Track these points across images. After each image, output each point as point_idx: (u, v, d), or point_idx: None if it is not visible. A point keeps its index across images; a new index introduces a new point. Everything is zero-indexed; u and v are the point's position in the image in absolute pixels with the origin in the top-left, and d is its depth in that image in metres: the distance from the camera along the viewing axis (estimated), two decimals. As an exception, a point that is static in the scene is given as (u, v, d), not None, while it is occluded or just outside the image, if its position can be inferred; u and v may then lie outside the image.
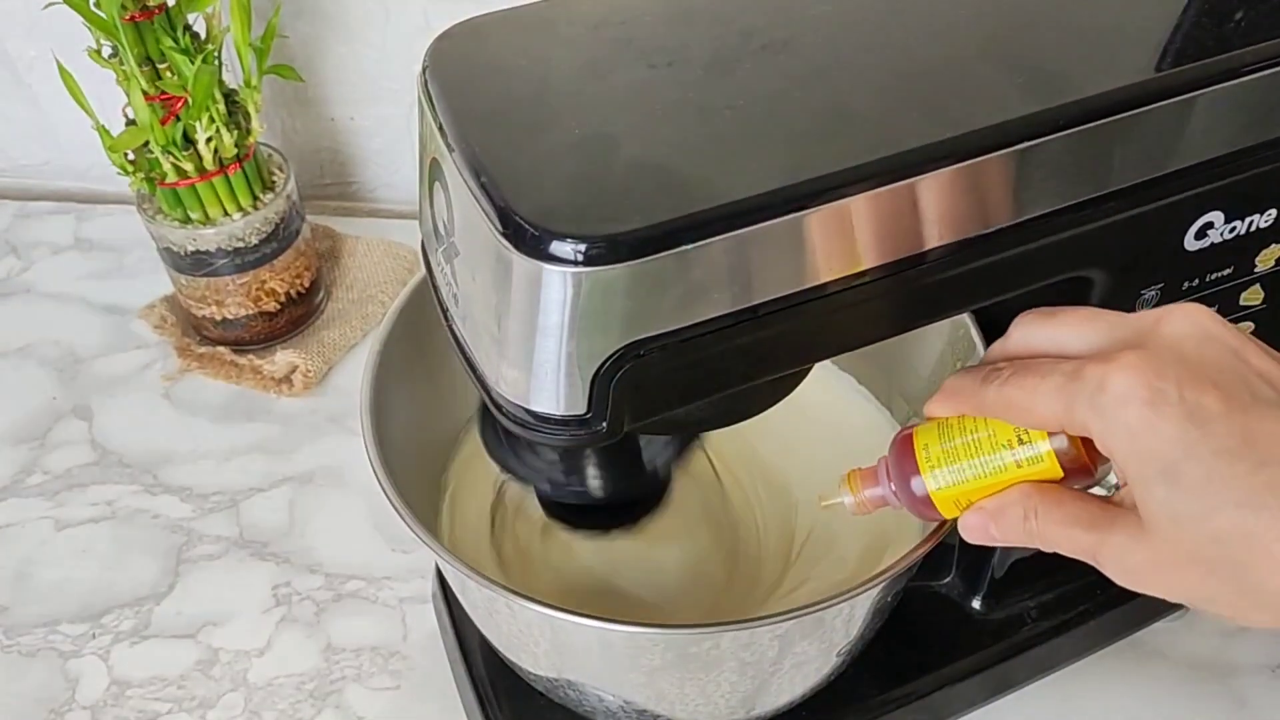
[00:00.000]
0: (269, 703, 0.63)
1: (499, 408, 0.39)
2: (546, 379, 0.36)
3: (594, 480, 0.48)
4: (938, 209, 0.37)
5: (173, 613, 0.67)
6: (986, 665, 0.59)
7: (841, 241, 0.36)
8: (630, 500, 0.51)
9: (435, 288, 0.42)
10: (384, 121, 0.93)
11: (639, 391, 0.37)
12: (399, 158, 0.96)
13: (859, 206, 0.35)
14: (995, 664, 0.59)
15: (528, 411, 0.38)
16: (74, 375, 0.82)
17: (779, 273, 0.36)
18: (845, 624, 0.48)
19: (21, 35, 0.90)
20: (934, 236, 0.38)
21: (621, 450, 0.49)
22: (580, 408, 0.37)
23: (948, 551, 0.60)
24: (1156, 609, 0.63)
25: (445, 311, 0.42)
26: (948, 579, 0.61)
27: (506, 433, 0.44)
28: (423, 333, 0.53)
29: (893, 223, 0.37)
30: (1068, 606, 0.60)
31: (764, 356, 0.39)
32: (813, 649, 0.49)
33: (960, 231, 0.38)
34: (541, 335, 0.35)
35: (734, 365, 0.38)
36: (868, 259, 0.37)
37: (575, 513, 0.51)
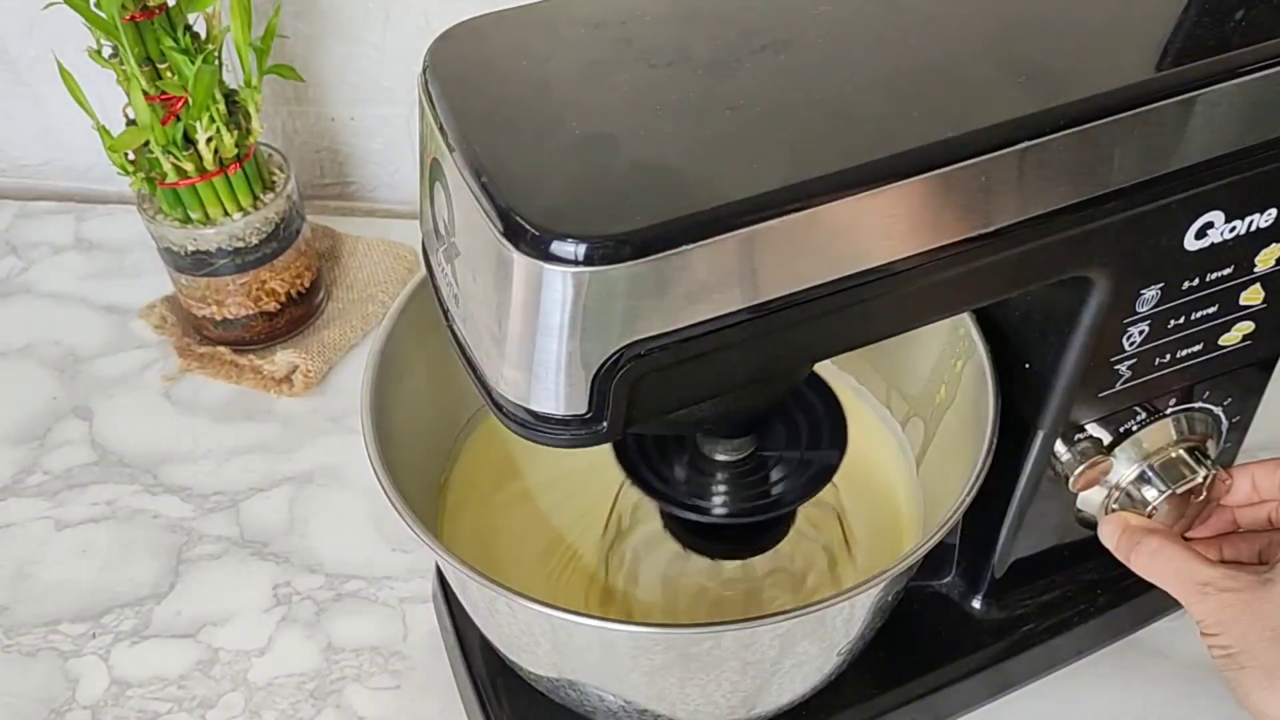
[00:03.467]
0: (269, 703, 0.63)
1: (499, 408, 0.39)
2: (547, 379, 0.36)
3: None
4: (938, 209, 0.37)
5: (173, 613, 0.67)
6: (986, 665, 0.59)
7: (841, 241, 0.36)
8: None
9: (436, 288, 0.42)
10: (384, 121, 0.93)
11: (640, 391, 0.37)
12: (399, 158, 0.96)
13: (859, 206, 0.36)
14: (995, 664, 0.59)
15: (528, 412, 0.38)
16: (74, 375, 0.82)
17: (779, 272, 0.36)
18: (845, 623, 0.48)
19: (21, 35, 0.90)
20: (934, 236, 0.38)
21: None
22: (581, 408, 0.37)
23: (948, 551, 0.60)
24: (1156, 609, 0.63)
25: (446, 312, 0.42)
26: (948, 579, 0.61)
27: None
28: (423, 333, 0.53)
29: (892, 223, 0.37)
30: (1068, 606, 0.60)
31: (764, 356, 0.39)
32: (813, 648, 0.49)
33: (960, 231, 0.38)
34: (542, 335, 0.35)
35: (735, 365, 0.38)
36: (868, 259, 0.37)
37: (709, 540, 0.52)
